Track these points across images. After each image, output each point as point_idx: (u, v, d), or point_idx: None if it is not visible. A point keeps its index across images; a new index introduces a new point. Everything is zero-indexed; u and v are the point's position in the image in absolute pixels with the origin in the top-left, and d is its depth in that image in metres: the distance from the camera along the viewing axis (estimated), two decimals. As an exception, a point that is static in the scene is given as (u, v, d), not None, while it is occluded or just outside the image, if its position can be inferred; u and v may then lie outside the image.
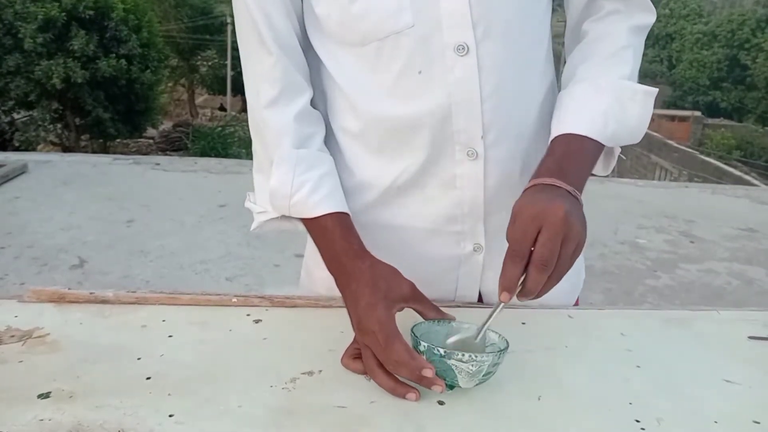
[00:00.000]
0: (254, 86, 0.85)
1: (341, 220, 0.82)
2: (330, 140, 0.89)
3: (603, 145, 0.80)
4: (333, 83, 0.85)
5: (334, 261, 0.80)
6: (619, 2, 0.86)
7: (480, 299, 0.93)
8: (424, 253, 0.89)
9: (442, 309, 0.77)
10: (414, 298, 0.76)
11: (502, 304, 0.67)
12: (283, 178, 0.82)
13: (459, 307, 0.89)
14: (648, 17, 0.86)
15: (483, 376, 0.67)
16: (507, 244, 0.69)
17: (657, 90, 0.83)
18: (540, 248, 0.66)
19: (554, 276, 0.67)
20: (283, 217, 0.86)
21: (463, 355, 0.65)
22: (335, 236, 0.80)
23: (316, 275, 0.96)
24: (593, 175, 0.84)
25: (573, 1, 0.90)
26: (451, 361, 0.66)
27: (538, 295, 0.68)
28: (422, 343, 0.68)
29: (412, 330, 0.71)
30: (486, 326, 0.70)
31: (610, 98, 0.80)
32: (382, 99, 0.82)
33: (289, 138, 0.83)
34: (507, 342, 0.70)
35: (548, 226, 0.66)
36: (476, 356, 0.66)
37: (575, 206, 0.70)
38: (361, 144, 0.87)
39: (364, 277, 0.75)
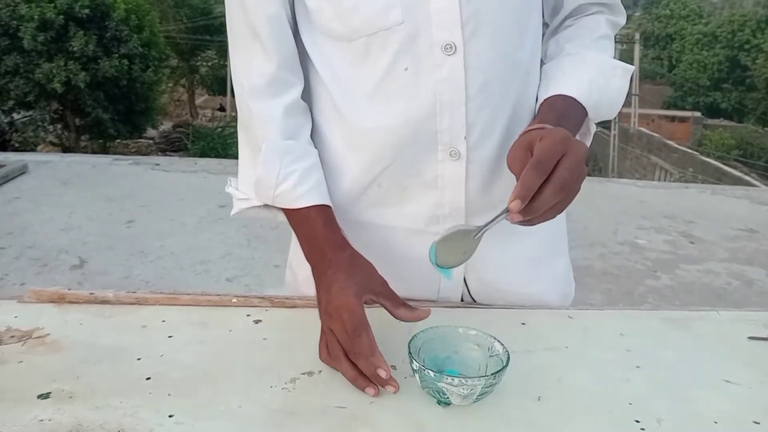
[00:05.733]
0: (243, 76, 0.85)
1: (324, 211, 0.83)
2: (313, 135, 0.89)
3: (585, 113, 0.83)
4: (318, 77, 0.85)
5: (316, 250, 0.81)
6: (602, 6, 0.92)
7: (462, 299, 0.93)
8: (406, 253, 0.88)
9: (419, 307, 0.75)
10: (384, 294, 0.76)
11: (507, 213, 0.67)
12: (270, 167, 0.83)
13: (441, 307, 0.88)
14: (621, 18, 0.95)
15: (477, 396, 0.66)
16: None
17: (634, 67, 0.92)
18: (563, 171, 0.66)
19: (563, 202, 0.68)
20: (265, 205, 0.87)
21: (452, 379, 0.64)
22: (318, 226, 0.81)
23: (300, 275, 0.96)
24: None
25: (563, 4, 0.92)
26: (442, 384, 0.64)
27: (541, 219, 0.68)
28: (414, 362, 0.66)
29: (408, 345, 0.69)
30: (486, 228, 0.70)
31: (594, 70, 0.86)
32: (366, 96, 0.82)
33: (277, 128, 0.84)
34: (508, 358, 0.68)
35: (573, 154, 0.67)
36: (466, 380, 0.64)
37: None
38: (344, 141, 0.87)
39: (342, 265, 0.76)
